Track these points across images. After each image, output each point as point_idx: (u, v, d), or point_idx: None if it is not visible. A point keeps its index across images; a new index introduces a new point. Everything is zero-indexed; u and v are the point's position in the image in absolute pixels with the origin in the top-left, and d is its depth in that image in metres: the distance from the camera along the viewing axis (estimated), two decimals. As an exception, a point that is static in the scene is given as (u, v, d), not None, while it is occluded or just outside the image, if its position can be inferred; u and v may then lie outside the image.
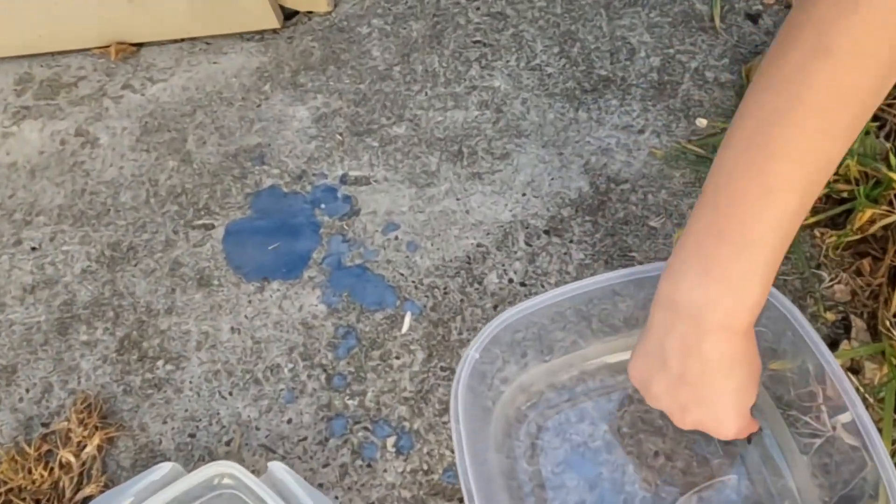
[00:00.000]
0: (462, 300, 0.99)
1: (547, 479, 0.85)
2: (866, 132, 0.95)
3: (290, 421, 0.93)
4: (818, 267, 0.96)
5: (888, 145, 0.94)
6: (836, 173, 0.95)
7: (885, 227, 0.93)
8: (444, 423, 0.91)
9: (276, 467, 0.83)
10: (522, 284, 0.99)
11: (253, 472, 0.91)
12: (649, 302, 0.95)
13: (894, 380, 0.81)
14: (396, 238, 1.05)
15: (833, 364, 0.78)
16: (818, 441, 0.83)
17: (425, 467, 0.88)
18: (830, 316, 0.92)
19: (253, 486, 0.81)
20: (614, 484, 0.84)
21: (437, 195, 1.08)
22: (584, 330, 0.94)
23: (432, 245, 1.04)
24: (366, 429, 0.91)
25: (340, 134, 1.15)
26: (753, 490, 0.82)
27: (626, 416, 0.88)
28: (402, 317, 0.99)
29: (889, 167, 0.91)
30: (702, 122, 1.09)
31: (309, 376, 0.95)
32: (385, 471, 0.89)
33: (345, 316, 0.99)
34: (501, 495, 0.85)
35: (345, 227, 1.07)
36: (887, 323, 0.86)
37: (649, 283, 0.91)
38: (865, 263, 0.93)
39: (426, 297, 1.00)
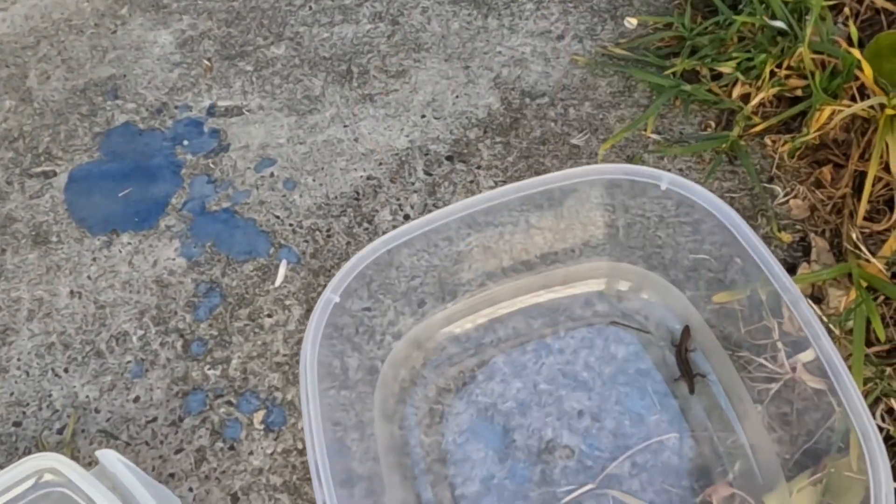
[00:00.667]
0: (348, 243, 0.82)
1: (448, 452, 0.69)
2: (821, 17, 0.79)
3: (136, 399, 0.75)
4: (770, 180, 0.80)
5: (846, 28, 0.78)
6: (788, 66, 0.79)
7: (846, 128, 0.77)
8: (325, 389, 0.74)
9: (108, 457, 0.65)
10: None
11: (88, 464, 0.74)
12: (570, 232, 0.79)
13: (863, 306, 0.66)
14: (272, 175, 0.87)
15: (792, 290, 0.62)
16: (774, 386, 0.68)
17: (300, 446, 0.72)
18: (786, 237, 0.77)
19: (80, 483, 0.64)
20: (529, 454, 0.68)
21: (320, 123, 0.90)
22: (492, 269, 0.78)
23: (314, 181, 0.87)
24: (229, 403, 0.74)
25: (209, 59, 0.97)
26: (698, 450, 0.67)
27: (544, 369, 0.72)
28: (277, 267, 0.81)
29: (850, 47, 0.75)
30: (631, 23, 0.92)
31: (162, 344, 0.78)
32: (251, 453, 0.72)
33: (207, 270, 0.82)
34: (391, 475, 0.68)
35: (211, 165, 0.89)
36: (853, 237, 0.71)
37: (570, 199, 0.75)
38: (826, 172, 0.77)
39: (306, 241, 0.83)
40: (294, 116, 0.91)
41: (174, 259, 0.83)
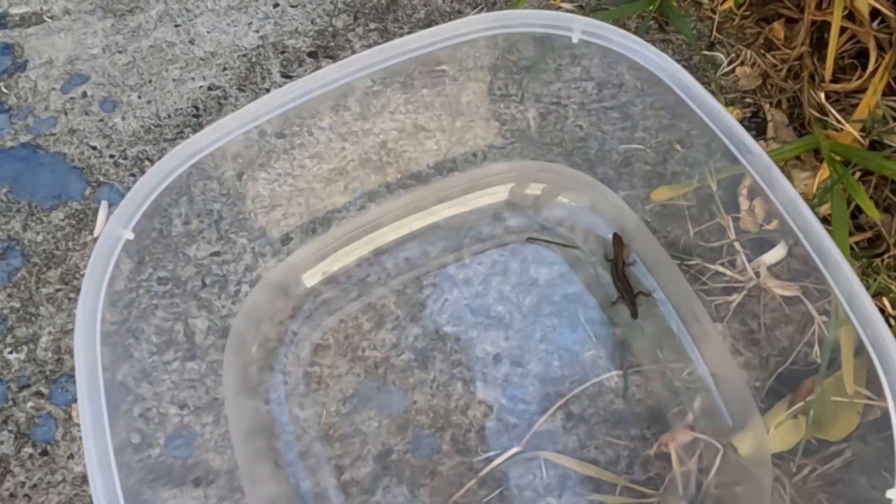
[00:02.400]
0: (201, 167, 0.64)
1: (330, 427, 0.53)
2: None
3: (-88, 403, 0.56)
4: (711, 47, 0.65)
5: None
6: None
7: (799, -27, 0.62)
8: (166, 363, 0.57)
9: None
10: (280, 135, 0.64)
11: None
12: (468, 132, 0.62)
13: (840, 185, 0.52)
14: (84, 95, 0.67)
15: (761, 158, 0.46)
16: (736, 298, 0.54)
17: (135, 440, 0.55)
18: (736, 112, 0.62)
19: None
20: (436, 415, 0.53)
21: (144, 24, 0.70)
22: (374, 186, 0.61)
23: (140, 98, 0.67)
24: (38, 395, 0.56)
25: (-5, -44, 0.75)
26: (647, 389, 0.52)
27: (448, 306, 0.56)
28: (95, 211, 0.62)
29: None
30: None
31: (-54, 327, 0.59)
32: (71, 457, 0.54)
33: (3, 224, 0.62)
34: (258, 465, 0.52)
35: (2, 89, 0.68)
36: (819, 102, 0.56)
37: (466, 93, 0.59)
38: (777, 28, 0.62)
39: (132, 176, 0.64)
40: (110, 19, 0.70)
41: (-42, 214, 0.63)
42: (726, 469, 0.49)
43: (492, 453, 0.51)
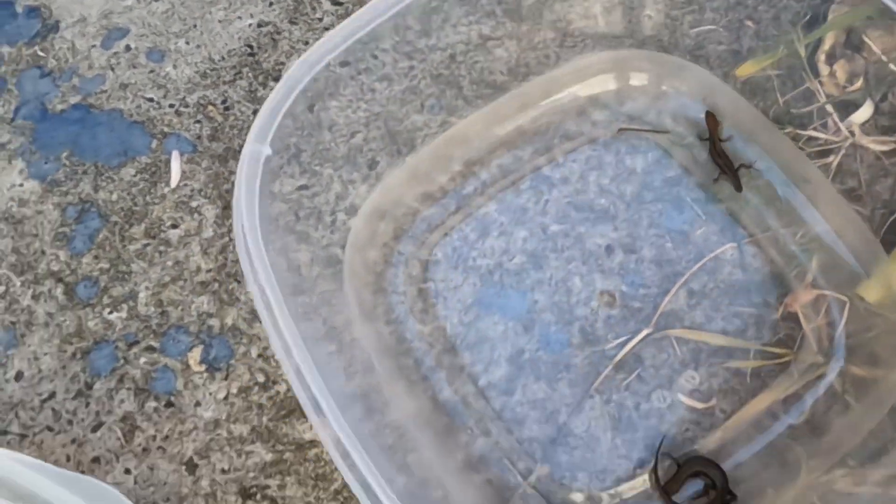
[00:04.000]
0: (256, 110, 0.62)
1: (457, 338, 0.53)
2: None
3: (19, 376, 0.55)
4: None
5: None
6: None
7: None
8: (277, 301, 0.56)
9: (-4, 458, 0.46)
10: (343, 63, 0.62)
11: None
12: (536, 34, 0.62)
13: (923, 33, 0.53)
14: (128, 49, 0.65)
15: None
16: (835, 159, 0.55)
17: (261, 379, 0.54)
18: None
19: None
20: (560, 311, 0.53)
21: (176, -32, 0.68)
22: (451, 101, 0.60)
23: (188, 44, 0.65)
24: (149, 349, 0.55)
25: (-1, -82, 0.71)
26: (764, 256, 0.53)
27: (551, 206, 0.56)
28: (167, 162, 0.61)
29: None
30: None
31: (36, 297, 0.57)
32: (198, 404, 0.53)
33: (73, 188, 0.60)
34: (392, 384, 0.52)
35: (39, 53, 0.65)
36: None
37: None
38: None
39: (197, 122, 0.62)
40: (139, -33, 0.68)
41: (22, 185, 0.60)
42: (856, 319, 0.50)
43: (622, 338, 0.52)
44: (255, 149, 0.42)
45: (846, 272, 0.51)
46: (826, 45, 0.58)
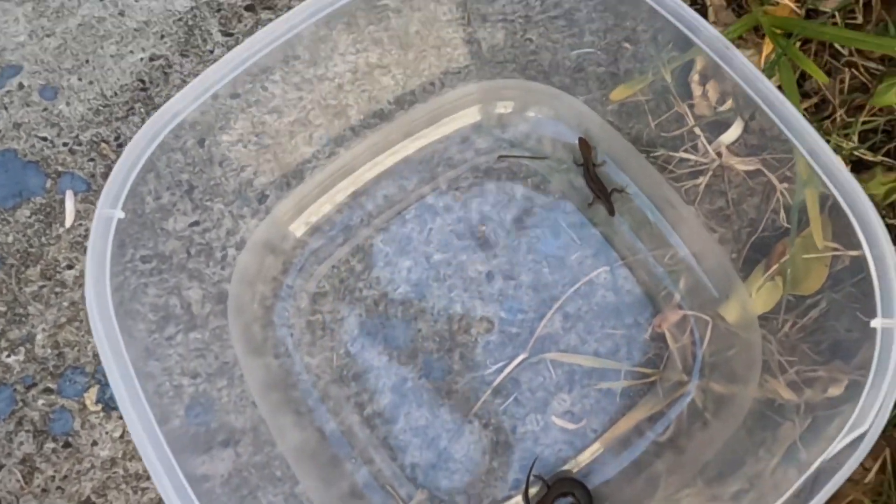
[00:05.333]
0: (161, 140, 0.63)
1: (343, 369, 0.55)
2: None
3: (-80, 422, 0.56)
4: (641, -59, 0.66)
5: None
6: None
7: None
8: (168, 339, 0.58)
9: None
10: (234, 95, 0.63)
11: None
12: (422, 62, 0.63)
13: (784, 54, 0.55)
14: (21, 86, 0.65)
15: (710, 35, 0.47)
16: (703, 180, 0.57)
17: (156, 416, 0.56)
18: (675, 2, 0.64)
19: None
20: (441, 339, 0.55)
21: (68, 3, 0.67)
22: (340, 131, 0.61)
23: (80, 80, 0.65)
24: (47, 391, 0.56)
25: None
26: (634, 279, 0.56)
27: (434, 235, 0.58)
28: (61, 202, 0.61)
29: None
30: None
31: (-65, 342, 0.58)
32: (94, 444, 0.55)
33: (-32, 231, 0.61)
34: (280, 417, 0.54)
35: (-68, 94, 0.65)
36: (754, -21, 0.58)
37: (414, 24, 0.59)
38: (702, -87, 0.63)
39: (91, 160, 0.63)
40: (30, 2, 0.67)
41: (-82, 229, 0.61)
42: (717, 338, 0.53)
43: (501, 364, 0.54)
44: (105, 214, 0.43)
45: (709, 293, 0.54)
46: (699, 66, 0.60)
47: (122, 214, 0.44)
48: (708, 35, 0.46)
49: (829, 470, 0.40)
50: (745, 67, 0.45)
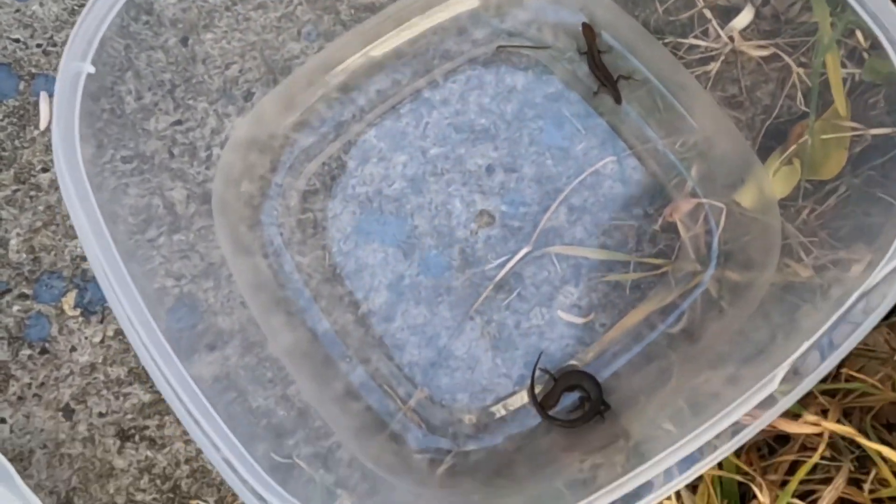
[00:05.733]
0: (139, 38, 0.60)
1: (336, 267, 0.52)
2: None
3: None
4: None
5: None
6: None
7: None
8: (150, 239, 0.54)
9: None
10: (221, -12, 0.60)
11: None
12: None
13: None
14: (-9, -13, 0.62)
15: None
16: (714, 66, 0.53)
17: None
18: None
19: None
20: (440, 235, 0.52)
21: None
22: (329, 26, 0.58)
23: (54, -20, 0.62)
24: (22, 296, 0.53)
25: None
26: (644, 168, 0.52)
27: (431, 129, 0.55)
28: (36, 104, 0.58)
29: None
30: None
31: None
32: (73, 349, 0.52)
33: (-63, 135, 0.58)
34: (270, 318, 0.51)
35: None
36: None
37: None
38: None
39: (66, 61, 0.59)
40: None
41: None
42: (733, 225, 0.50)
43: (502, 259, 0.51)
44: (73, 67, 0.40)
45: (723, 179, 0.51)
46: (708, -52, 0.56)
47: (92, 69, 0.41)
48: None
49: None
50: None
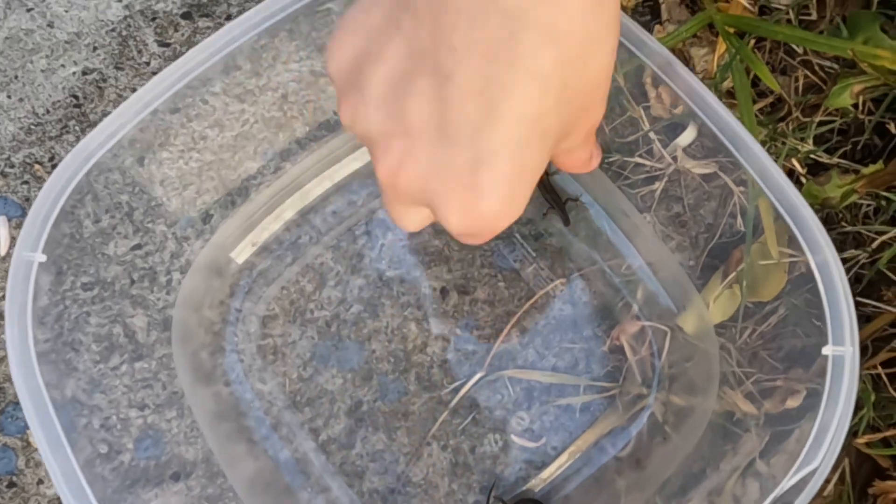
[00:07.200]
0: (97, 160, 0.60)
1: (296, 394, 0.53)
2: None
3: None
4: (592, -64, 0.64)
5: None
6: None
7: None
8: (113, 369, 0.56)
9: None
10: (173, 110, 0.60)
11: None
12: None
13: (738, 55, 0.53)
14: (-53, 106, 0.62)
15: (659, 51, 0.46)
16: (659, 185, 0.55)
17: (104, 450, 0.54)
18: (627, 0, 0.62)
19: None
20: (396, 360, 0.54)
21: (-7, 14, 0.64)
22: (285, 144, 0.59)
23: (10, 98, 0.62)
24: (-12, 429, 0.54)
25: None
26: (590, 290, 0.54)
27: (386, 251, 0.56)
28: (-5, 229, 0.59)
29: None
30: None
31: None
32: (41, 482, 0.53)
33: None
34: (232, 448, 0.52)
35: None
36: (706, -23, 0.56)
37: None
38: None
39: (25, 184, 0.60)
40: (-48, 16, 0.64)
41: None
42: (676, 349, 0.52)
43: (457, 383, 0.53)
44: (25, 258, 0.41)
45: (666, 304, 0.53)
46: (650, 69, 0.58)
47: (43, 258, 0.42)
48: (650, 48, 0.45)
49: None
50: (688, 81, 0.44)
